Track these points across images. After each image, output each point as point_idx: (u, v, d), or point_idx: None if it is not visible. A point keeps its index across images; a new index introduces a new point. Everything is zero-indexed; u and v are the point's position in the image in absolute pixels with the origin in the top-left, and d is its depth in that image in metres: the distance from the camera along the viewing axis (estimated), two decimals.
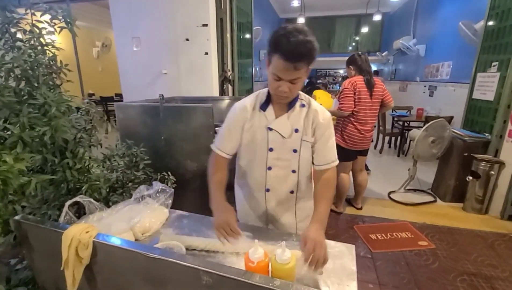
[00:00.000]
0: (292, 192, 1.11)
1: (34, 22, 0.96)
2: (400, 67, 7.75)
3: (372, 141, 3.98)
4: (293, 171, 1.06)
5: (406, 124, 4.60)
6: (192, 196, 1.80)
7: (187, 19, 2.78)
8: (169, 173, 1.42)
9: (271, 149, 1.03)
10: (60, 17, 0.98)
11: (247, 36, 3.56)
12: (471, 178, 2.64)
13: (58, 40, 0.99)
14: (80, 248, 0.70)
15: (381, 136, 4.90)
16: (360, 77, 2.43)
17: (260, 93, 1.05)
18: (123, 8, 2.97)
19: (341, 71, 12.10)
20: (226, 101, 2.70)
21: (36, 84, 0.93)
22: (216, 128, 2.26)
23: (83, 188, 1.02)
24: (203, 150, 1.71)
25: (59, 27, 1.00)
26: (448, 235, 2.35)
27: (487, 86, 2.83)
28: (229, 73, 3.06)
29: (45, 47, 0.97)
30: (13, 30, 0.93)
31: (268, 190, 1.10)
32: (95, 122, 1.17)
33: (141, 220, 1.00)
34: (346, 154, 2.51)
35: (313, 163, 1.07)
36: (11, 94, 0.87)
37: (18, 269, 0.95)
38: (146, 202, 1.09)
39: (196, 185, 1.79)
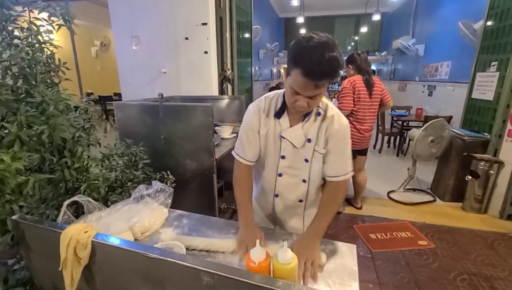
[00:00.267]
0: (301, 201, 1.10)
1: (32, 19, 0.94)
2: (399, 67, 7.76)
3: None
4: (304, 181, 1.04)
5: (405, 123, 4.60)
6: (191, 195, 1.80)
7: (187, 18, 2.77)
8: (168, 172, 1.41)
9: (283, 157, 1.01)
10: (58, 15, 0.97)
11: (247, 35, 3.55)
12: (470, 177, 2.64)
13: (56, 38, 0.98)
14: (78, 248, 0.69)
15: (380, 135, 4.90)
16: (359, 77, 2.43)
17: (274, 97, 0.99)
18: (122, 6, 2.95)
19: (341, 71, 12.06)
20: (225, 100, 2.69)
21: (33, 82, 0.92)
22: (216, 128, 2.26)
23: (81, 188, 1.01)
24: (203, 149, 1.70)
25: (57, 24, 0.99)
26: (448, 234, 2.35)
27: (486, 85, 2.83)
28: (228, 72, 3.05)
29: (43, 45, 0.96)
30: (10, 27, 0.92)
31: (277, 195, 1.09)
32: (94, 121, 1.15)
33: (141, 219, 0.99)
34: None
35: (323, 173, 1.03)
36: (8, 92, 0.85)
37: (15, 270, 0.94)
38: (146, 202, 1.08)
39: (196, 184, 1.78)
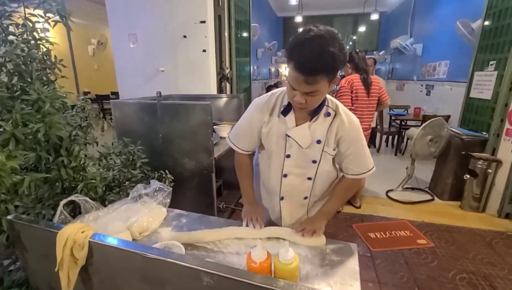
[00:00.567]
0: (306, 197, 1.09)
1: (27, 15, 0.93)
2: (397, 66, 7.78)
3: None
4: (309, 178, 1.02)
5: (403, 123, 4.61)
6: (190, 194, 1.78)
7: (185, 16, 2.75)
8: (166, 171, 1.40)
9: (288, 156, 0.98)
10: (54, 11, 0.95)
11: (245, 34, 3.54)
12: (468, 176, 2.65)
13: (52, 35, 0.96)
14: (75, 248, 0.67)
15: (378, 134, 4.91)
16: (357, 75, 2.43)
17: (281, 94, 0.97)
18: (119, 4, 2.93)
19: (339, 71, 12.09)
20: (224, 99, 2.68)
21: (29, 80, 0.90)
22: (215, 126, 2.24)
23: (78, 187, 0.99)
24: (201, 148, 1.69)
25: (53, 21, 0.97)
26: (447, 233, 2.36)
27: (484, 85, 2.84)
28: (227, 71, 3.04)
29: (39, 42, 0.94)
30: (5, 23, 0.90)
31: (282, 198, 1.09)
32: (91, 119, 1.14)
33: (139, 219, 0.97)
34: None
35: (341, 170, 1.02)
36: (3, 90, 0.84)
37: (11, 271, 0.93)
38: (144, 201, 1.06)
39: (194, 183, 1.77)
